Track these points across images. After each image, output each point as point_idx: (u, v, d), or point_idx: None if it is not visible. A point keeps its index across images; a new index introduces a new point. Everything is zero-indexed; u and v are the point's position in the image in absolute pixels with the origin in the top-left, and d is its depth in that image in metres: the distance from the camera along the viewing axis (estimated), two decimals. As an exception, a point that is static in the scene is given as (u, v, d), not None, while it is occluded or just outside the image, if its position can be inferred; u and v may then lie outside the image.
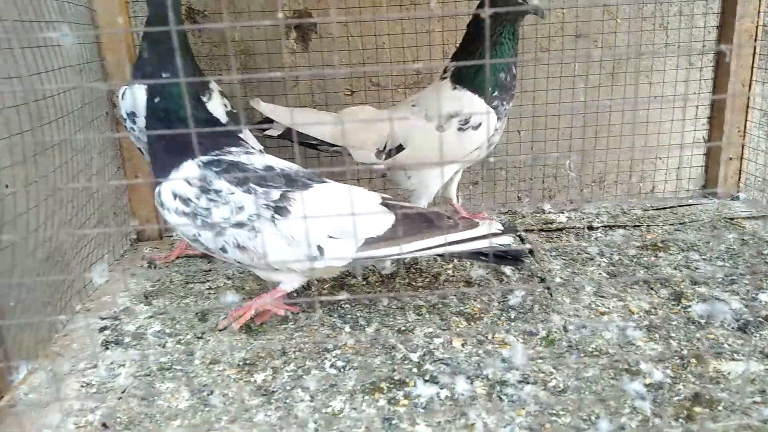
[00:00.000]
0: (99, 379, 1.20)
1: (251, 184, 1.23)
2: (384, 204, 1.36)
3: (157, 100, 1.28)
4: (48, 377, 1.20)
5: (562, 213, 2.04)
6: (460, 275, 1.62)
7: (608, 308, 1.41)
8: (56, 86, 1.46)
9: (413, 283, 1.58)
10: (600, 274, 1.60)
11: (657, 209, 2.06)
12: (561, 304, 1.43)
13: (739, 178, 2.14)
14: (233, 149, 1.30)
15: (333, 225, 1.26)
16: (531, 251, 1.72)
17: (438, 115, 1.68)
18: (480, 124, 1.66)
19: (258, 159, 1.32)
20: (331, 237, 1.27)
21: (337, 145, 1.75)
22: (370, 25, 2.12)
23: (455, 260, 1.70)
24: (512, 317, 1.39)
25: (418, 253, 1.32)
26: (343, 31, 2.15)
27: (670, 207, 2.07)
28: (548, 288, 1.52)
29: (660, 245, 1.76)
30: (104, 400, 1.13)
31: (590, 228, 1.91)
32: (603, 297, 1.47)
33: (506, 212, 2.12)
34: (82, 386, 1.18)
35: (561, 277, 1.58)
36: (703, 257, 1.67)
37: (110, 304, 1.52)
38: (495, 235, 1.40)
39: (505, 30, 1.61)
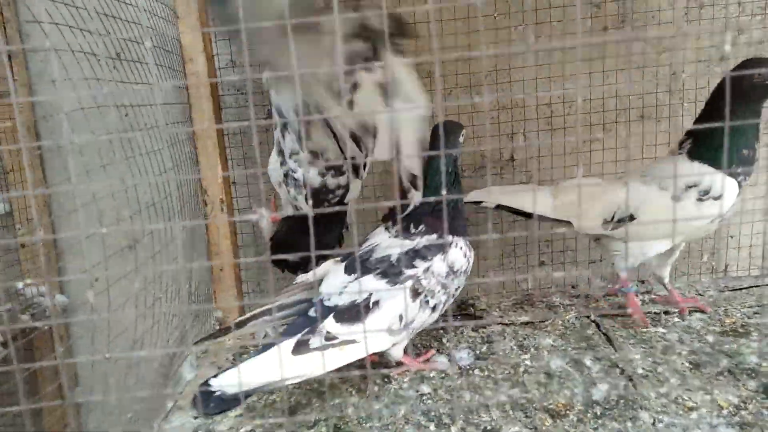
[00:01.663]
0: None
1: None
2: None
3: None
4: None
5: (636, 296, 2.04)
6: (539, 366, 1.64)
7: (696, 403, 1.40)
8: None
9: (492, 376, 1.61)
10: (682, 363, 1.59)
11: (732, 290, 2.04)
12: (647, 399, 1.43)
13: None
14: None
15: None
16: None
17: (675, 185, 1.71)
18: (721, 195, 1.66)
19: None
20: None
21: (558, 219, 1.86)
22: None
23: (532, 349, 1.73)
24: (598, 413, 1.40)
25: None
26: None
27: (746, 288, 2.04)
28: (631, 379, 1.52)
29: (740, 330, 1.74)
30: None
31: (666, 312, 1.90)
32: (689, 390, 1.46)
33: (578, 296, 2.14)
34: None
35: (643, 368, 1.58)
36: (788, 344, 1.64)
37: (202, 399, 1.60)
38: None
39: (748, 108, 1.63)
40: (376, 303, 1.47)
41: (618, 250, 1.84)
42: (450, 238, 1.61)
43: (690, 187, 1.67)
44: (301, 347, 1.38)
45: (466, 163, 2.29)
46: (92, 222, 1.54)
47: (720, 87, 1.71)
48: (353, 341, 1.41)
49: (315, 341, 1.40)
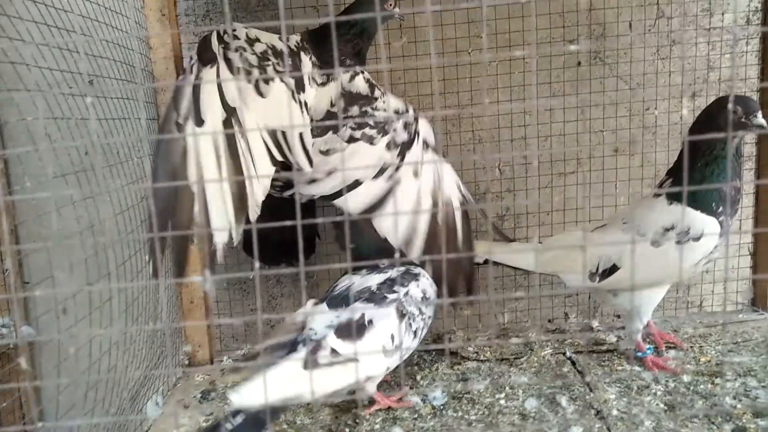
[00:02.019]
0: None
1: None
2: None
3: None
4: None
5: (611, 331, 2.03)
6: (513, 406, 1.61)
7: (670, 447, 1.38)
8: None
9: (466, 417, 1.58)
10: (657, 405, 1.57)
11: (708, 326, 2.03)
12: (621, 442, 1.41)
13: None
14: None
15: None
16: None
17: (652, 230, 1.66)
18: (701, 236, 1.61)
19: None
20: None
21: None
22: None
23: (507, 389, 1.70)
24: (573, 457, 1.37)
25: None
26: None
27: (721, 324, 2.04)
28: (606, 421, 1.50)
29: (716, 369, 1.73)
30: None
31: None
32: (663, 433, 1.44)
33: (554, 330, 2.12)
34: None
35: (618, 409, 1.56)
36: (762, 384, 1.63)
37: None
38: None
39: (726, 146, 1.59)
40: (371, 321, 1.49)
41: (607, 302, 1.82)
42: (418, 269, 1.67)
43: (667, 229, 1.64)
44: (310, 362, 1.37)
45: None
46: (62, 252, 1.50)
47: (696, 125, 1.69)
48: (355, 360, 1.41)
49: (323, 357, 1.39)
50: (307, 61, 1.66)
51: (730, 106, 1.57)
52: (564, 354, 1.89)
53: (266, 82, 1.45)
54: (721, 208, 1.61)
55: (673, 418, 1.50)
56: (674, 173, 1.74)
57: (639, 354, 1.79)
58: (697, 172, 1.62)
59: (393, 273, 1.61)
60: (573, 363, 1.83)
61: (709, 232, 1.60)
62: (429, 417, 1.59)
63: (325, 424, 1.58)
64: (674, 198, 1.67)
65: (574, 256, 1.79)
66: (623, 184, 2.22)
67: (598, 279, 1.74)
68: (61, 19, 1.45)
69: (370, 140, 1.60)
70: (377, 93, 1.65)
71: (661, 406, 1.56)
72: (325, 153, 1.58)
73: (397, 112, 1.67)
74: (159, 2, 1.84)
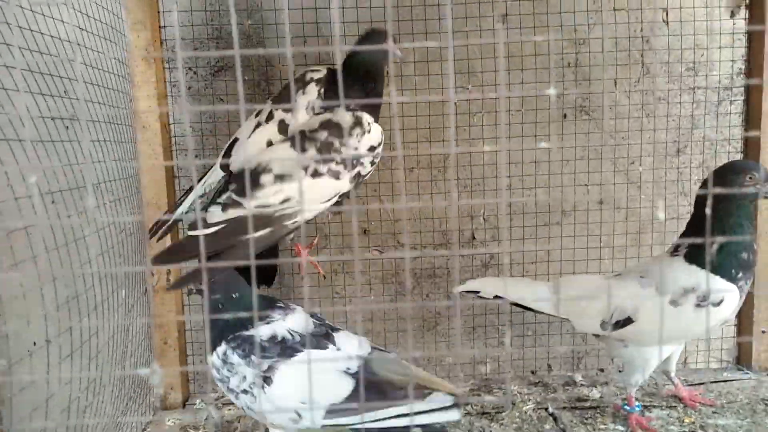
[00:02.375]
0: None
1: (252, 356, 1.48)
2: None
3: (221, 306, 1.55)
4: None
5: (594, 387, 1.99)
6: (493, 463, 1.56)
7: None
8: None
9: (445, 474, 1.52)
10: (640, 466, 1.53)
11: (691, 384, 2.00)
12: (603, 507, 1.36)
13: (775, 350, 2.10)
14: (259, 322, 1.52)
15: (301, 395, 1.45)
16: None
17: (672, 289, 1.62)
18: (721, 302, 1.58)
19: (268, 329, 1.53)
20: (302, 403, 1.46)
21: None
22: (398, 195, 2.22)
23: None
24: None
25: (374, 424, 1.47)
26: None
27: (704, 383, 2.01)
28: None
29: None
30: None
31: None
32: (647, 498, 1.39)
33: (537, 383, 2.07)
34: None
35: (600, 471, 1.51)
36: (747, 448, 1.60)
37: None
38: (444, 408, 1.49)
39: (741, 209, 1.59)
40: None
41: (614, 351, 1.79)
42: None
43: (688, 292, 1.61)
44: None
45: (425, 242, 2.26)
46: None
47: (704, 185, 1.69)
48: None
49: None
50: (312, 89, 1.70)
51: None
52: (546, 410, 1.84)
53: None
54: (740, 274, 1.59)
55: (656, 482, 1.45)
56: (688, 236, 1.71)
57: (627, 408, 1.74)
58: (714, 236, 1.59)
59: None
60: (555, 419, 1.79)
61: (729, 299, 1.58)
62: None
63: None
64: (692, 260, 1.65)
65: (590, 302, 1.75)
66: (607, 237, 2.22)
67: (610, 329, 1.71)
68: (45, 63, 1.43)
69: (336, 175, 1.58)
70: (357, 131, 1.62)
71: (644, 468, 1.52)
72: (279, 178, 1.53)
73: (371, 148, 1.63)
74: (144, 41, 1.84)
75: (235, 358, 1.48)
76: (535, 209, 2.25)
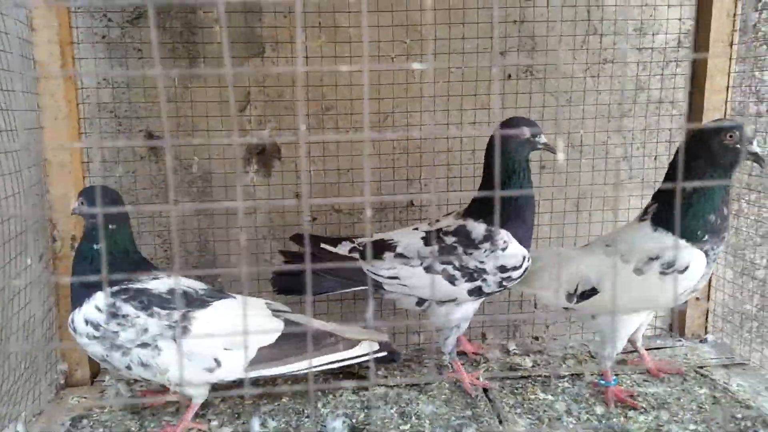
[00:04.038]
0: None
1: (155, 308, 1.43)
2: (275, 313, 1.58)
3: (96, 246, 1.47)
4: None
5: (528, 355, 1.94)
6: (417, 438, 1.49)
7: (577, 488, 1.29)
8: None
9: (366, 450, 1.45)
10: (567, 439, 1.49)
11: (625, 352, 1.97)
12: (525, 484, 1.31)
13: (707, 318, 2.09)
14: (142, 277, 1.49)
15: (226, 338, 1.44)
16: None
17: (636, 257, 1.55)
18: (687, 268, 1.52)
19: (162, 283, 1.50)
20: (226, 349, 1.45)
21: None
22: (333, 151, 2.10)
23: (413, 418, 1.58)
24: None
25: (302, 371, 1.52)
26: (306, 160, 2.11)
27: (636, 351, 1.99)
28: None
29: (629, 400, 1.66)
30: None
31: (557, 376, 1.81)
32: (571, 472, 1.35)
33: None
34: None
35: (526, 445, 1.46)
36: (674, 418, 1.57)
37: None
38: (375, 352, 1.61)
39: (716, 172, 1.51)
40: None
41: (591, 328, 1.76)
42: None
43: (652, 259, 1.54)
44: None
45: (360, 207, 2.15)
46: None
47: (686, 145, 1.58)
48: None
49: None
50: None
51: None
52: (477, 379, 1.78)
53: None
54: (707, 237, 1.51)
55: (582, 456, 1.41)
56: (660, 198, 1.63)
57: (603, 383, 1.68)
58: (684, 199, 1.51)
59: None
60: (485, 390, 1.73)
61: (696, 265, 1.51)
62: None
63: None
64: (659, 224, 1.58)
65: (552, 274, 1.70)
66: (547, 202, 2.15)
67: (576, 300, 1.66)
68: None
69: (451, 280, 1.63)
70: (487, 245, 1.62)
71: (572, 441, 1.48)
72: (399, 257, 1.67)
73: (502, 268, 1.62)
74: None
75: (129, 309, 1.41)
76: (473, 173, 2.16)
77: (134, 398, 1.69)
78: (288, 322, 1.55)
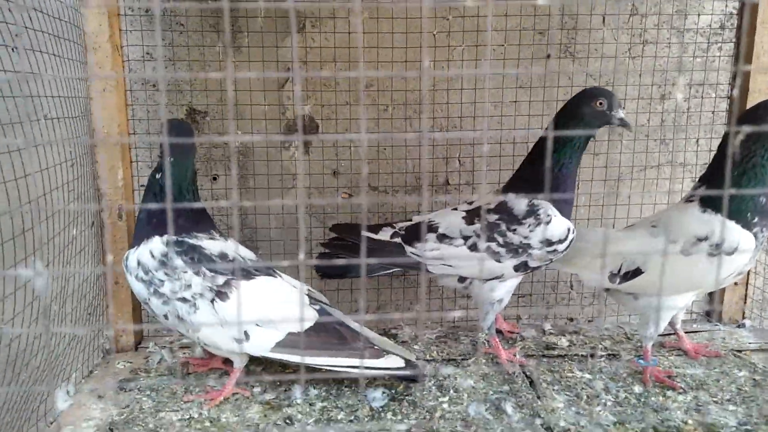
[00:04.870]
0: None
1: (203, 267, 1.46)
2: (313, 302, 1.59)
3: (158, 175, 1.51)
4: None
5: (563, 335, 1.95)
6: (456, 411, 1.51)
7: (618, 463, 1.30)
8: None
9: (406, 420, 1.47)
10: (607, 416, 1.49)
11: (662, 335, 1.97)
12: (567, 457, 1.32)
13: (745, 303, 2.07)
14: (200, 234, 1.52)
15: (260, 314, 1.47)
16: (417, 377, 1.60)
17: (684, 238, 1.55)
18: (735, 249, 1.51)
19: (217, 246, 1.53)
20: (257, 325, 1.48)
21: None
22: (371, 128, 2.11)
23: (451, 391, 1.60)
24: (515, 471, 1.27)
25: (323, 367, 1.51)
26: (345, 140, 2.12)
27: (674, 333, 1.98)
28: (552, 433, 1.41)
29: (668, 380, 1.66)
30: None
31: (593, 356, 1.81)
32: (611, 448, 1.36)
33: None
34: None
35: (565, 420, 1.47)
36: (713, 399, 1.56)
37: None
38: (398, 369, 1.54)
39: (765, 150, 1.49)
40: None
41: (626, 304, 1.73)
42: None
43: (700, 240, 1.54)
44: None
45: (397, 184, 2.16)
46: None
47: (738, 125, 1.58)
48: None
49: None
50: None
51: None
52: (514, 356, 1.79)
53: None
54: (756, 219, 1.51)
55: (622, 432, 1.42)
56: (708, 179, 1.63)
57: (642, 363, 1.67)
58: (733, 181, 1.51)
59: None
60: (522, 367, 1.74)
61: (744, 247, 1.50)
62: (366, 419, 1.47)
63: (253, 423, 1.45)
64: (708, 205, 1.57)
65: (595, 255, 1.70)
66: (585, 183, 2.14)
67: (619, 281, 1.65)
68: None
69: (496, 257, 1.63)
70: (530, 220, 1.62)
71: (611, 418, 1.48)
72: (441, 238, 1.67)
73: (547, 242, 1.62)
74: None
75: (179, 262, 1.45)
76: (513, 152, 2.16)
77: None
78: (323, 313, 1.56)
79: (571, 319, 2.20)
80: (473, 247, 1.65)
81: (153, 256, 1.46)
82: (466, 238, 1.66)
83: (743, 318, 2.06)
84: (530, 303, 2.22)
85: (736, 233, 1.52)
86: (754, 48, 1.93)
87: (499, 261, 1.63)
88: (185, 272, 1.44)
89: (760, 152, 1.49)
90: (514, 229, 1.62)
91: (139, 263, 1.47)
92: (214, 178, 2.10)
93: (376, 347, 1.57)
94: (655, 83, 2.17)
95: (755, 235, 1.52)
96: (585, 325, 2.08)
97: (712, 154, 2.20)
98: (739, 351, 1.84)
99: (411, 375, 1.56)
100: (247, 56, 2.01)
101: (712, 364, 1.76)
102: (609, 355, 1.82)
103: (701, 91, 2.17)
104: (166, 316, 1.47)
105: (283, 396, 1.57)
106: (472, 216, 1.69)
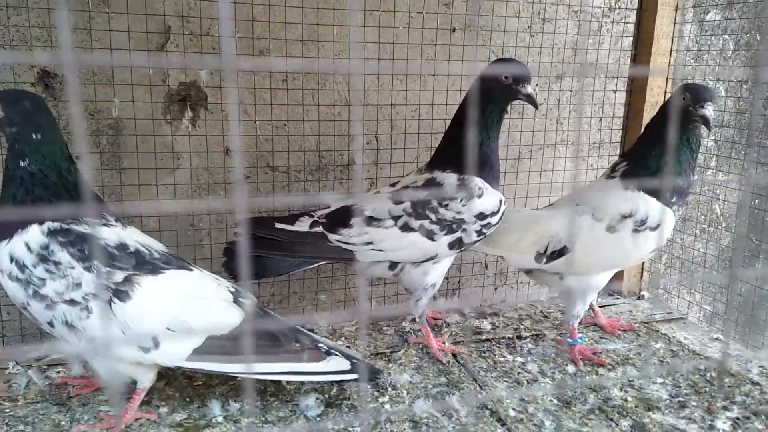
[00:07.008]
0: None
1: (95, 262, 1.17)
2: (238, 300, 1.31)
3: (23, 163, 1.19)
4: None
5: (485, 318, 1.88)
6: (401, 411, 1.36)
7: (580, 451, 1.24)
8: None
9: (350, 428, 1.29)
10: (551, 401, 1.43)
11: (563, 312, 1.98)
12: (530, 449, 1.23)
13: (641, 276, 2.16)
14: (91, 220, 1.22)
15: (172, 316, 1.21)
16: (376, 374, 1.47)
17: (609, 215, 1.54)
18: (658, 225, 1.52)
19: (113, 233, 1.25)
20: (169, 330, 1.21)
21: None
22: (266, 105, 1.86)
23: (389, 389, 1.45)
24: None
25: (255, 376, 1.30)
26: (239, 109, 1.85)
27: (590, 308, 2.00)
28: (506, 425, 1.32)
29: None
30: None
31: (518, 337, 1.76)
32: (568, 433, 1.30)
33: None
34: None
35: (514, 408, 1.39)
36: (641, 372, 1.58)
37: None
38: (344, 372, 1.33)
39: (688, 137, 1.54)
40: None
41: (551, 285, 1.73)
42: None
43: (625, 217, 1.55)
44: None
45: (298, 164, 1.94)
46: None
47: (661, 111, 1.64)
48: None
49: None
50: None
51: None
52: (444, 344, 1.68)
53: None
54: (675, 198, 1.56)
55: (571, 416, 1.37)
56: (631, 157, 1.65)
57: (570, 341, 1.66)
58: (653, 160, 1.57)
59: None
60: (454, 355, 1.64)
61: (668, 223, 1.55)
62: (303, 432, 1.28)
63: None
64: (630, 183, 1.59)
65: (521, 235, 1.63)
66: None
67: (545, 260, 1.60)
68: None
69: (430, 235, 1.51)
70: (462, 194, 1.53)
71: (555, 402, 1.43)
72: (369, 221, 1.52)
73: (480, 215, 1.51)
74: None
75: (64, 256, 1.16)
76: (418, 129, 2.04)
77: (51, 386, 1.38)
78: (252, 313, 1.31)
79: (486, 301, 2.14)
80: (405, 227, 1.51)
81: (30, 249, 1.16)
82: (396, 218, 1.52)
83: (641, 291, 2.14)
84: (447, 286, 2.13)
85: (659, 210, 1.54)
86: (654, 30, 1.98)
87: (432, 239, 1.51)
88: (72, 268, 1.15)
89: (683, 134, 1.54)
90: (446, 205, 1.51)
91: (12, 259, 1.15)
92: (76, 158, 1.73)
93: (320, 346, 1.36)
94: (553, 62, 2.17)
95: (675, 213, 1.57)
96: (499, 305, 2.03)
97: (603, 133, 2.29)
98: (647, 323, 1.90)
99: (366, 378, 1.41)
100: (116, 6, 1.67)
101: (628, 337, 1.80)
102: (534, 335, 1.78)
103: (591, 70, 2.21)
104: (51, 324, 1.17)
105: (198, 414, 1.31)
106: (398, 196, 1.55)
